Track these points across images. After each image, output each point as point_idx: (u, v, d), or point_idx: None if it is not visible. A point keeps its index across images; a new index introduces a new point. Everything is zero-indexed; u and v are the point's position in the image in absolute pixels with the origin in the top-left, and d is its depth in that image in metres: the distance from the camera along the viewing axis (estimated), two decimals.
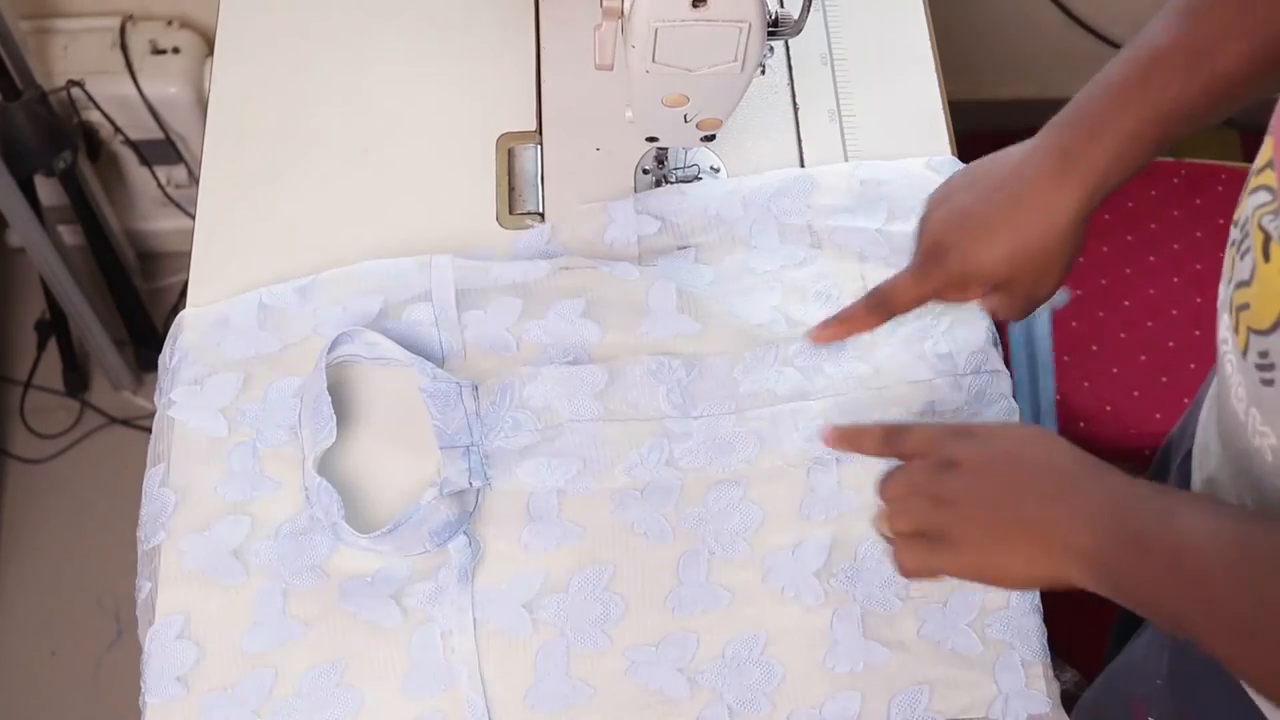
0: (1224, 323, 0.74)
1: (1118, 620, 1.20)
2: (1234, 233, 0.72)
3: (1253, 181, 0.70)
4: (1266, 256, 0.66)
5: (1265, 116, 0.70)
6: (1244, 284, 0.69)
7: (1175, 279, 1.43)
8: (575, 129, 1.14)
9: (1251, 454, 0.74)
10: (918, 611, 0.94)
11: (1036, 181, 0.86)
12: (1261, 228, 0.67)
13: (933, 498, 0.80)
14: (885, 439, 0.84)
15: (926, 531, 0.80)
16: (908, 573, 0.83)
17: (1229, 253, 0.73)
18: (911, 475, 0.81)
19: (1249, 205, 0.69)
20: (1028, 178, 0.86)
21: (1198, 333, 1.38)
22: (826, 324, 0.93)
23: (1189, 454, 0.90)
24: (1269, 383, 0.69)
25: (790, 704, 0.92)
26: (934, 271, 0.89)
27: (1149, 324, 1.41)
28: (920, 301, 0.91)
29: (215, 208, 1.12)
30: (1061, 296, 0.94)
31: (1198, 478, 0.87)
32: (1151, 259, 1.44)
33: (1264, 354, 0.68)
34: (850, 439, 0.87)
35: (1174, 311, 1.41)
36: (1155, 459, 1.15)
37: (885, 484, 0.83)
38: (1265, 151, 0.69)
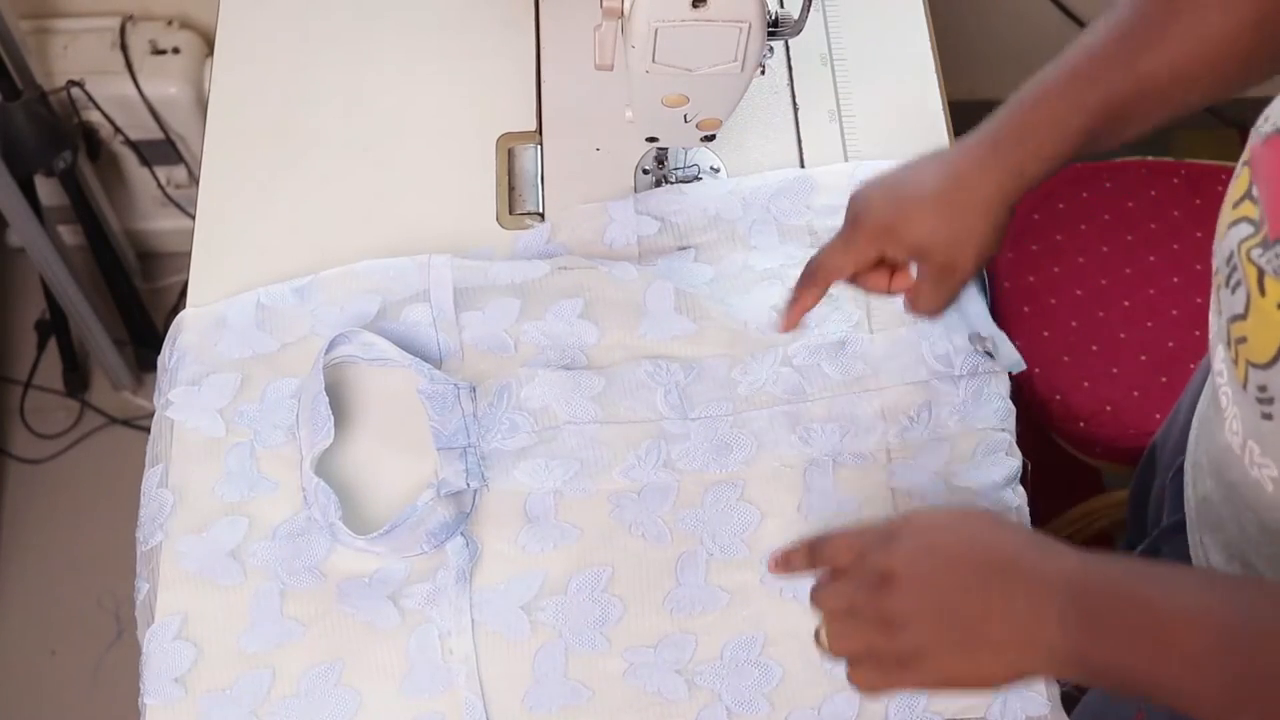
0: (1219, 355, 0.74)
1: None
2: (1217, 263, 0.72)
3: (1231, 214, 0.70)
4: (1262, 290, 0.67)
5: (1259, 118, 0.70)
6: (1238, 317, 0.70)
7: (1175, 279, 1.43)
8: (575, 129, 1.14)
9: (1250, 485, 0.74)
10: None
11: (963, 162, 0.89)
12: (1252, 261, 0.67)
13: (878, 620, 0.75)
14: (809, 553, 0.81)
15: (879, 654, 0.76)
16: (870, 694, 0.81)
17: (1215, 283, 0.73)
18: (848, 593, 0.77)
19: (1232, 239, 0.69)
20: (956, 160, 0.90)
21: (1198, 333, 1.38)
22: (785, 314, 0.94)
23: (1180, 468, 0.90)
24: (1269, 416, 0.69)
25: (789, 705, 0.92)
26: (855, 234, 0.91)
27: (1149, 324, 1.41)
28: (848, 266, 0.92)
29: (215, 208, 1.12)
30: (1014, 358, 0.98)
31: (1191, 494, 0.87)
32: (1151, 259, 1.44)
33: (1263, 388, 0.68)
34: (782, 563, 0.83)
35: (1174, 311, 1.41)
36: (1140, 462, 1.15)
37: (819, 596, 0.79)
38: (1241, 183, 0.70)
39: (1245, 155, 0.70)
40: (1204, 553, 0.86)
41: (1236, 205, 0.70)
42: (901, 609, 0.74)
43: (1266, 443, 0.70)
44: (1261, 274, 0.66)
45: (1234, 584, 0.72)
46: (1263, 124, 0.69)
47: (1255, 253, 0.66)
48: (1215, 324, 0.75)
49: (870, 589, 0.75)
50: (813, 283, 0.93)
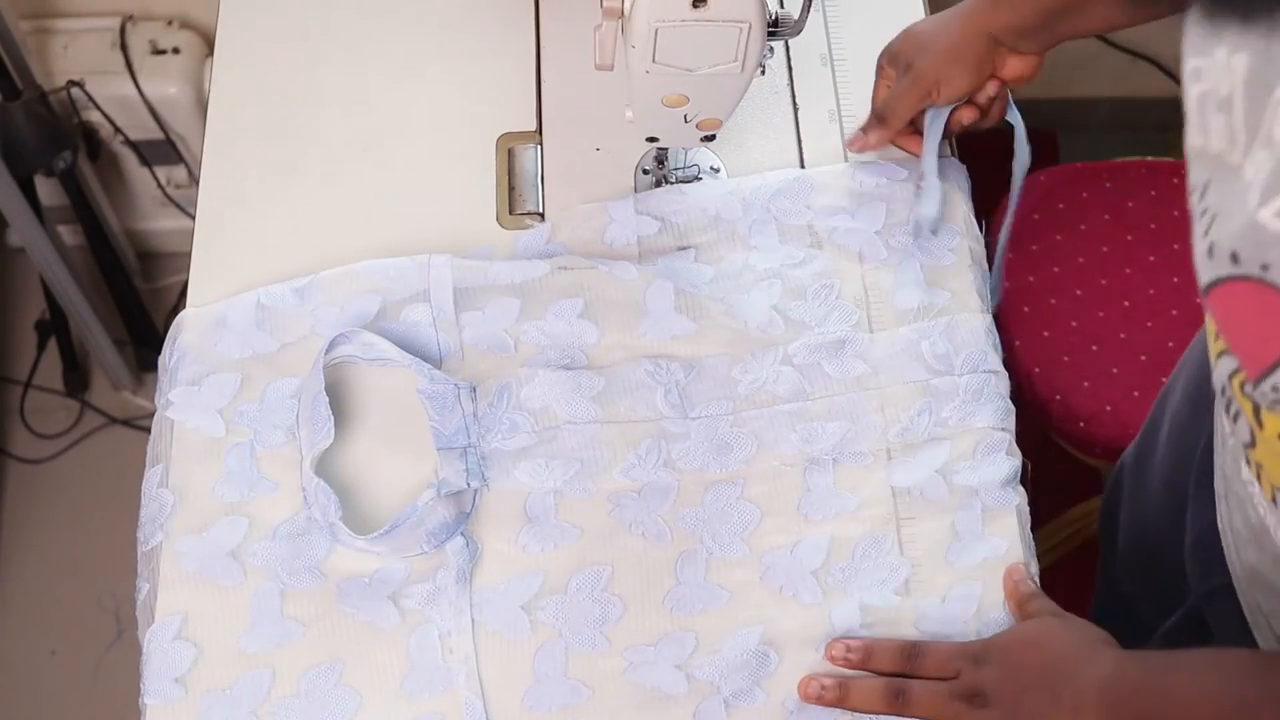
0: (1244, 469, 0.77)
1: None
2: (1216, 390, 0.74)
3: (1215, 345, 0.72)
4: (1260, 423, 0.69)
5: None
6: (1248, 445, 0.72)
7: (1175, 279, 1.43)
8: (575, 129, 1.14)
9: None
10: (916, 608, 0.94)
11: (957, 14, 1.04)
12: (1246, 395, 0.69)
13: None
14: (908, 656, 0.91)
15: None
16: None
17: (1219, 406, 0.77)
18: (946, 702, 0.88)
19: (1222, 371, 0.72)
20: (952, 14, 1.05)
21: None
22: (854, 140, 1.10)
23: (1213, 523, 0.90)
24: None
25: (784, 692, 0.92)
26: (881, 65, 1.07)
27: (1149, 324, 1.41)
28: (881, 92, 1.08)
29: (215, 208, 1.12)
30: (932, 209, 1.06)
31: (1236, 559, 0.87)
32: (1151, 259, 1.44)
33: None
34: (863, 653, 0.92)
35: (1174, 311, 1.41)
36: (1110, 480, 1.15)
37: (921, 694, 0.89)
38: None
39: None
40: (1264, 620, 0.87)
41: (1217, 337, 0.72)
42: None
43: None
44: (1257, 407, 0.69)
45: (1250, 660, 0.80)
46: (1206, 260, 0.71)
47: (1247, 388, 0.68)
48: (1231, 438, 0.78)
49: (966, 703, 0.87)
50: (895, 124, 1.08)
